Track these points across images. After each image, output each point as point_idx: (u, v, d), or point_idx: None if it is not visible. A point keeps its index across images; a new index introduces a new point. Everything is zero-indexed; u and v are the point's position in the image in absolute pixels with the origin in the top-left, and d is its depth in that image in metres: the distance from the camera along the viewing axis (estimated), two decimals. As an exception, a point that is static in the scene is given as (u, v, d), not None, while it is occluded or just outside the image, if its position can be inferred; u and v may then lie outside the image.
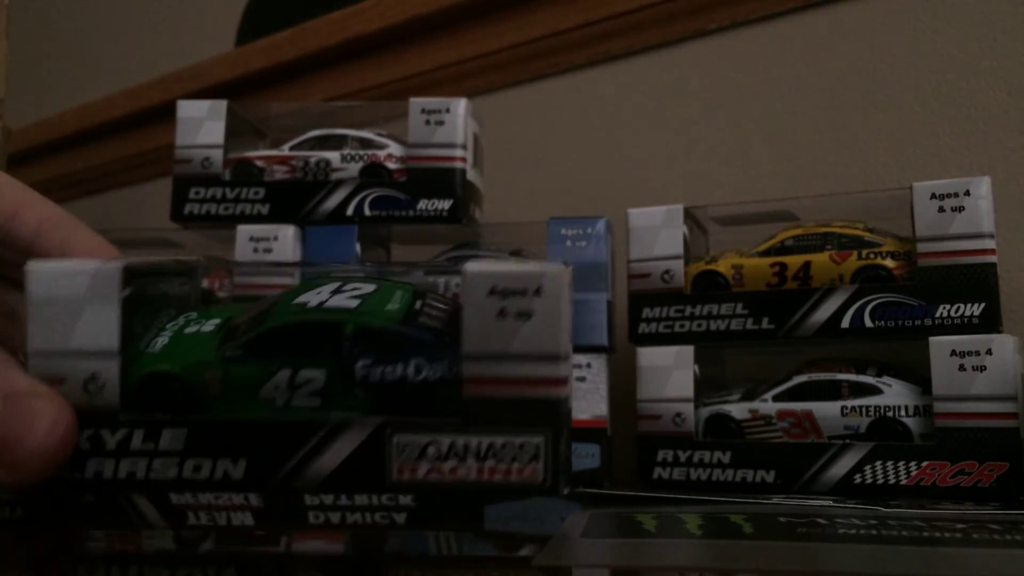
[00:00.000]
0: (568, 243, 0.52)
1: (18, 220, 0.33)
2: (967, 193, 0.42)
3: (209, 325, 0.31)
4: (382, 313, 0.30)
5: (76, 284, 0.28)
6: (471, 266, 0.27)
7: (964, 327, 0.42)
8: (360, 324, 0.29)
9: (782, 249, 0.47)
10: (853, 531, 0.30)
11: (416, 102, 0.53)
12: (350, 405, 0.29)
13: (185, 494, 0.30)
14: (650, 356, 0.48)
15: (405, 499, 0.29)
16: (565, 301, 0.27)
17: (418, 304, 0.31)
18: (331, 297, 0.30)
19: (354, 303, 0.30)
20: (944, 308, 0.42)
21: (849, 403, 0.44)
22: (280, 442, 0.28)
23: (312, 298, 0.30)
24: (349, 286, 0.31)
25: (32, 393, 0.27)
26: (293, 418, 0.29)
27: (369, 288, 0.31)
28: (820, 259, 0.46)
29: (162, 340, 0.31)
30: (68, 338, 0.28)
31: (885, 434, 0.43)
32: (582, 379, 0.50)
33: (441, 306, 0.31)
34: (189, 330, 0.31)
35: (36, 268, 0.28)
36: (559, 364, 0.27)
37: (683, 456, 0.46)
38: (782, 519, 0.33)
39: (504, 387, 0.27)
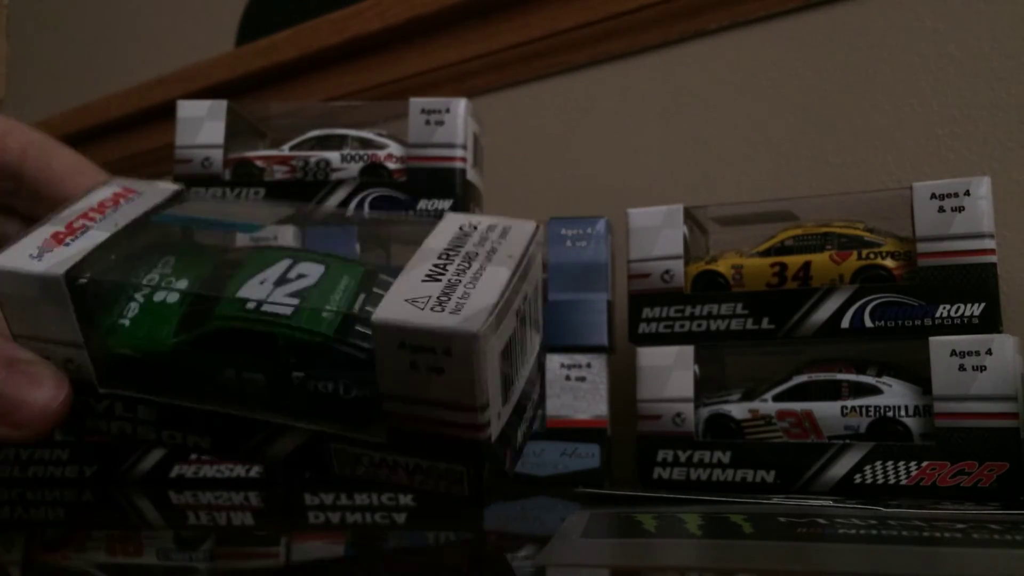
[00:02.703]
0: (568, 243, 0.52)
1: (3, 147, 0.35)
2: (967, 193, 0.42)
3: (176, 290, 0.32)
4: (317, 322, 0.29)
5: (29, 287, 0.29)
6: (380, 315, 0.26)
7: (964, 327, 0.42)
8: (290, 338, 0.29)
9: (782, 249, 0.47)
10: (853, 531, 0.30)
11: (416, 102, 0.53)
12: (292, 406, 0.29)
13: (185, 493, 0.31)
14: (650, 356, 0.48)
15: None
16: (479, 358, 0.25)
17: (359, 302, 0.30)
18: (273, 291, 0.30)
19: (289, 308, 0.29)
20: (944, 308, 0.42)
21: (849, 403, 0.44)
22: (237, 428, 0.30)
23: (255, 292, 0.30)
24: (295, 271, 0.31)
25: (33, 361, 0.29)
26: (247, 407, 0.30)
27: (315, 275, 0.31)
28: (820, 259, 0.46)
29: (133, 307, 0.31)
30: (38, 328, 0.30)
31: (885, 434, 0.43)
32: (582, 379, 0.50)
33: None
34: (158, 296, 0.32)
35: None
36: (476, 414, 0.26)
37: (683, 456, 0.46)
38: (782, 519, 0.33)
39: (424, 425, 0.27)
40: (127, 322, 0.31)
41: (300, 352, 0.29)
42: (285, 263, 0.31)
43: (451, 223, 0.31)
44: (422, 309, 0.26)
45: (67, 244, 0.30)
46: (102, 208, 0.33)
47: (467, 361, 0.25)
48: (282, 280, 0.30)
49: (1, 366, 0.28)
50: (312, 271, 0.31)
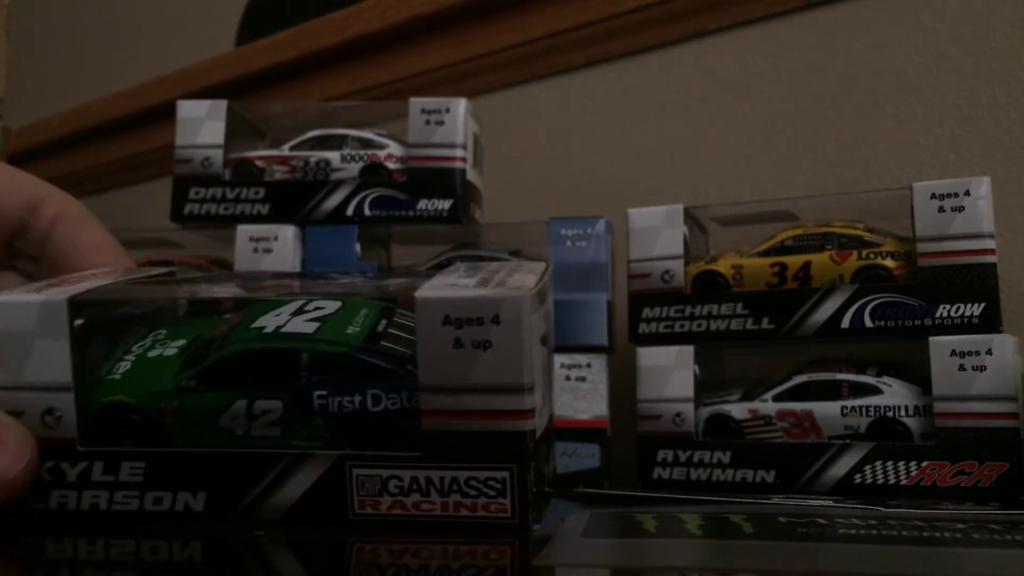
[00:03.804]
0: (568, 243, 0.52)
1: (39, 212, 0.35)
2: (967, 193, 0.42)
3: (173, 348, 0.31)
4: (340, 338, 0.28)
5: (25, 317, 0.27)
6: (423, 293, 0.25)
7: (964, 327, 0.42)
8: (316, 352, 0.28)
9: (782, 249, 0.47)
10: (853, 531, 0.30)
11: (416, 102, 0.53)
12: (310, 435, 0.28)
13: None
14: (650, 356, 0.48)
15: None
16: (527, 328, 0.25)
17: (382, 325, 0.29)
18: (290, 320, 0.29)
19: (312, 327, 0.28)
20: (944, 308, 0.42)
21: (849, 403, 0.44)
22: (239, 474, 0.27)
23: (270, 322, 0.29)
24: (312, 305, 0.30)
25: None
26: (254, 447, 0.28)
27: (332, 308, 0.30)
28: (820, 259, 0.46)
29: (124, 365, 0.30)
30: (22, 372, 0.28)
31: (885, 434, 0.43)
32: (582, 379, 0.50)
33: (409, 324, 0.29)
34: (153, 353, 0.30)
35: None
36: (523, 396, 0.25)
37: (683, 456, 0.46)
38: (782, 519, 0.33)
39: (465, 419, 0.25)
40: (118, 376, 0.29)
41: (324, 367, 0.27)
42: (299, 302, 0.30)
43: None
44: (464, 288, 0.25)
45: (65, 286, 0.29)
46: (103, 275, 0.32)
47: (516, 327, 0.24)
48: (299, 311, 0.29)
49: None
50: (329, 305, 0.30)
